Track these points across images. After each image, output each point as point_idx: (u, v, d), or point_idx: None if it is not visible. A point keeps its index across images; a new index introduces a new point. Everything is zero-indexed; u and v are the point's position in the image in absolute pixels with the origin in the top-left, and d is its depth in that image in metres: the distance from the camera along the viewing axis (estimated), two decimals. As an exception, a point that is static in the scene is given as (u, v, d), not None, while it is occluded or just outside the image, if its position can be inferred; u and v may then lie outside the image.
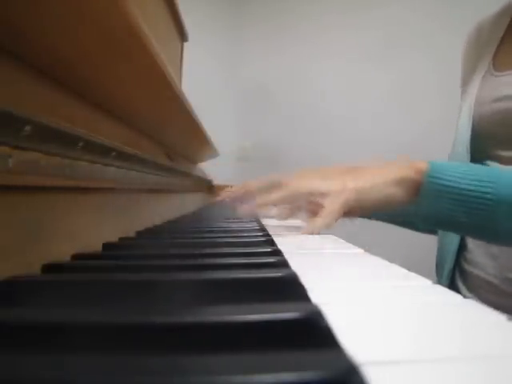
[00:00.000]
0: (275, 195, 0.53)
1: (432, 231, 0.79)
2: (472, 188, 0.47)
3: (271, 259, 0.31)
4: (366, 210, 0.53)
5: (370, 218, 0.74)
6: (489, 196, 0.46)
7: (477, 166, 0.50)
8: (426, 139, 2.03)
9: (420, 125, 2.10)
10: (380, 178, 0.51)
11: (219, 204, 0.60)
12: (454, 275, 0.73)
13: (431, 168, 0.49)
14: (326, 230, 0.51)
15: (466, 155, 0.69)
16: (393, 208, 0.52)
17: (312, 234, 0.51)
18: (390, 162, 0.54)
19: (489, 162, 0.68)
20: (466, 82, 0.77)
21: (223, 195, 0.67)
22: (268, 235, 0.46)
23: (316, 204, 0.54)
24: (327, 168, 0.58)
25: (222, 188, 1.52)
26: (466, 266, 0.70)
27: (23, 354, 0.14)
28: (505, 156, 0.65)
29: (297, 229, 0.58)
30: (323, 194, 0.51)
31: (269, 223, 0.64)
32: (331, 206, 0.50)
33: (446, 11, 2.10)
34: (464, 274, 0.71)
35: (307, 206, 0.59)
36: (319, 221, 0.51)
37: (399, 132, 2.11)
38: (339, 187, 0.51)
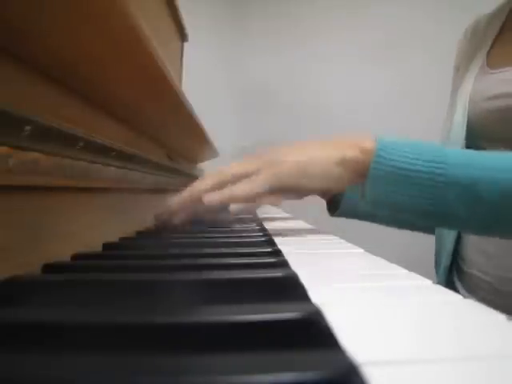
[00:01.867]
0: (203, 184, 0.49)
1: (429, 230, 0.78)
2: (423, 169, 0.43)
3: (271, 259, 0.31)
4: (301, 190, 0.48)
5: (336, 215, 0.69)
6: (441, 178, 0.43)
7: (427, 145, 0.46)
8: (426, 139, 2.03)
9: (419, 124, 2.10)
10: (322, 154, 0.46)
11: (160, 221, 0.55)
12: (452, 273, 0.73)
13: (379, 147, 0.45)
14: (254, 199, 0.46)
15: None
16: (334, 189, 0.49)
17: (227, 200, 0.46)
18: (337, 138, 0.49)
19: None
20: (459, 80, 0.77)
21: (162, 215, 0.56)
22: (268, 235, 0.46)
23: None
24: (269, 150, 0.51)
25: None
26: (463, 266, 0.70)
27: (23, 354, 0.14)
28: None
29: (297, 229, 0.58)
30: (256, 172, 0.47)
31: (269, 223, 0.64)
32: (256, 178, 0.46)
33: (446, 11, 2.10)
34: (461, 274, 0.71)
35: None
36: (235, 189, 0.46)
37: (399, 132, 2.11)
38: (273, 161, 0.46)
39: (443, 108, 0.89)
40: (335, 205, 0.68)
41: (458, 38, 0.84)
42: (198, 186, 0.50)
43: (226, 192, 0.47)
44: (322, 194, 0.65)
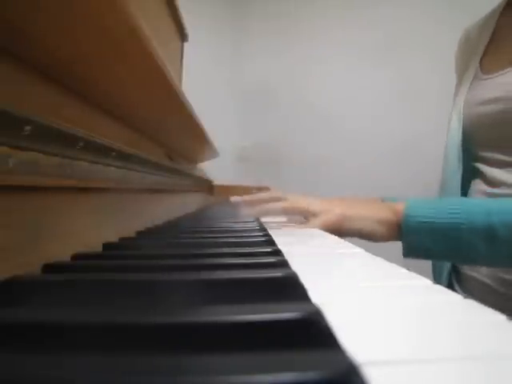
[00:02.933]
0: (277, 205, 0.61)
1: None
2: (446, 221, 0.52)
3: (271, 259, 0.31)
4: (346, 235, 0.58)
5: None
6: (462, 226, 0.51)
7: (448, 200, 0.57)
8: (426, 139, 2.03)
9: (420, 125, 2.10)
10: (365, 212, 0.57)
11: (230, 204, 0.69)
12: (451, 278, 0.73)
13: (407, 208, 0.55)
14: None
15: (458, 159, 0.70)
16: (373, 241, 0.58)
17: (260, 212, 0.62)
18: (375, 201, 0.63)
19: (478, 165, 0.69)
20: (457, 88, 0.78)
21: (234, 199, 0.70)
22: (268, 235, 0.46)
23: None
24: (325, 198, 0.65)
25: (222, 188, 1.52)
26: (463, 269, 0.70)
27: (23, 354, 0.14)
28: (493, 158, 0.66)
29: (298, 229, 0.58)
30: (313, 213, 0.58)
31: (269, 223, 0.64)
32: (314, 222, 0.57)
33: (446, 11, 2.10)
34: (461, 277, 0.71)
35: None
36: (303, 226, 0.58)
37: (399, 132, 2.11)
38: (327, 209, 0.58)
39: (443, 108, 0.89)
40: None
41: (458, 39, 0.84)
42: (270, 207, 0.63)
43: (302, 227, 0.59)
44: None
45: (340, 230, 0.56)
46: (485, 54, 0.72)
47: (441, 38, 2.09)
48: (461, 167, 0.71)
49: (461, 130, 0.70)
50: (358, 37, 2.25)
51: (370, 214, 0.57)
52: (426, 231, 0.53)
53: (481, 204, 0.54)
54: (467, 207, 0.53)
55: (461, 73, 0.77)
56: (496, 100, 0.63)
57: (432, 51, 2.12)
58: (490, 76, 0.68)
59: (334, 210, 0.57)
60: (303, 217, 0.62)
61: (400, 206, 0.56)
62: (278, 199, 0.64)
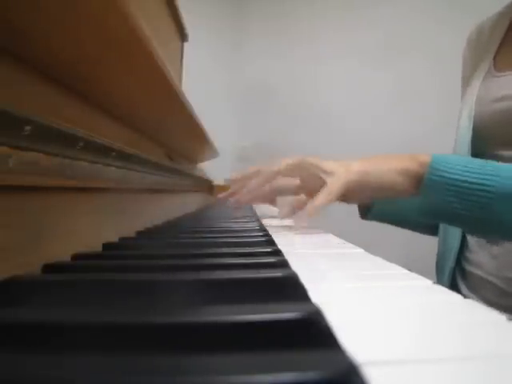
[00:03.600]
0: (283, 163, 0.55)
1: (431, 231, 0.79)
2: (474, 181, 0.47)
3: (271, 259, 0.31)
4: (367, 194, 0.54)
5: (367, 218, 0.73)
6: (491, 189, 0.46)
7: (478, 160, 0.50)
8: (426, 139, 2.03)
9: (420, 125, 2.10)
10: (384, 165, 0.52)
11: (220, 204, 0.63)
12: (455, 275, 0.73)
13: (434, 161, 0.49)
14: (324, 208, 0.52)
15: (467, 155, 0.69)
16: (393, 197, 0.53)
17: (311, 214, 0.51)
18: (396, 154, 0.55)
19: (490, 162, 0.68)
20: (466, 83, 0.77)
21: (223, 195, 0.66)
22: (268, 235, 0.46)
23: (305, 202, 0.56)
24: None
25: (222, 188, 1.52)
26: (467, 266, 0.70)
27: (23, 354, 0.14)
28: (506, 156, 0.65)
29: (297, 229, 0.58)
30: (327, 172, 0.52)
31: (269, 223, 0.64)
32: (332, 185, 0.51)
33: (446, 11, 2.10)
34: (464, 274, 0.71)
35: (296, 204, 0.62)
36: (319, 198, 0.51)
37: (399, 132, 2.11)
38: (344, 168, 0.52)
39: (443, 109, 0.89)
40: (367, 209, 0.72)
41: (458, 39, 0.84)
42: (276, 182, 0.56)
43: (311, 209, 0.52)
44: None
45: (361, 187, 0.52)
46: (498, 50, 0.72)
47: (441, 39, 2.09)
48: None
49: (471, 127, 0.69)
50: (358, 37, 2.25)
51: (391, 165, 0.52)
52: (450, 188, 0.48)
53: None
54: (502, 171, 0.47)
55: (471, 69, 0.76)
56: (510, 97, 0.63)
57: (432, 52, 2.12)
58: (504, 73, 0.67)
59: (352, 167, 0.52)
60: (312, 177, 0.54)
61: (425, 158, 0.51)
62: (269, 176, 0.57)
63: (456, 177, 0.48)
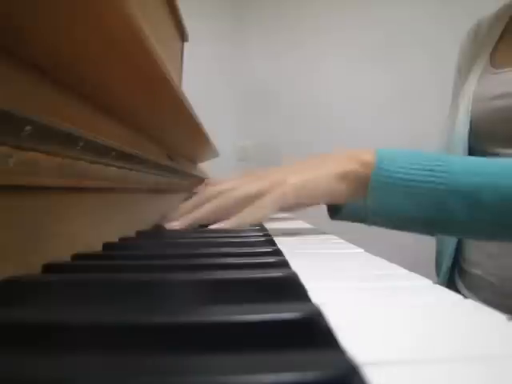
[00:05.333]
0: (205, 208, 0.50)
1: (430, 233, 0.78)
2: (423, 179, 0.44)
3: (271, 259, 0.31)
4: (306, 204, 0.50)
5: (336, 218, 0.70)
6: (442, 187, 0.43)
7: (427, 154, 0.46)
8: (426, 139, 2.03)
9: (420, 125, 2.10)
10: (322, 171, 0.47)
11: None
12: (453, 274, 0.73)
13: (379, 160, 0.45)
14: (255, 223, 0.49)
15: (464, 153, 0.69)
16: (335, 203, 0.51)
17: (236, 227, 0.48)
18: (337, 152, 0.50)
19: None
20: (461, 80, 0.77)
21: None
22: (268, 235, 0.46)
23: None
24: (271, 168, 0.53)
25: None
26: (465, 265, 0.70)
27: (23, 354, 0.14)
28: (503, 153, 0.65)
29: (297, 229, 0.58)
30: (259, 194, 0.48)
31: (269, 223, 0.64)
32: (263, 201, 0.47)
33: (446, 12, 2.10)
34: (463, 273, 0.71)
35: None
36: (246, 215, 0.48)
37: (399, 132, 2.11)
38: (276, 183, 0.48)
39: (443, 109, 0.89)
40: (336, 209, 0.68)
41: (458, 39, 0.84)
42: (203, 209, 0.50)
43: (235, 220, 0.49)
44: None
45: (298, 200, 0.47)
46: (496, 48, 0.72)
47: (441, 38, 2.09)
48: None
49: (468, 125, 0.69)
50: (359, 37, 2.25)
51: (329, 169, 0.47)
52: (399, 189, 0.44)
53: (465, 162, 0.45)
54: (450, 165, 0.44)
55: (467, 66, 0.76)
56: (508, 95, 0.63)
57: (432, 51, 2.12)
58: (501, 70, 0.67)
59: (288, 180, 0.47)
60: (243, 209, 0.49)
61: (368, 156, 0.46)
62: (204, 198, 0.51)
63: (403, 176, 0.44)
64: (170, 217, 0.54)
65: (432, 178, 0.43)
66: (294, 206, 0.49)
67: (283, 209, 0.49)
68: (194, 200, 0.53)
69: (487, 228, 0.45)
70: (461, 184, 0.43)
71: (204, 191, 0.53)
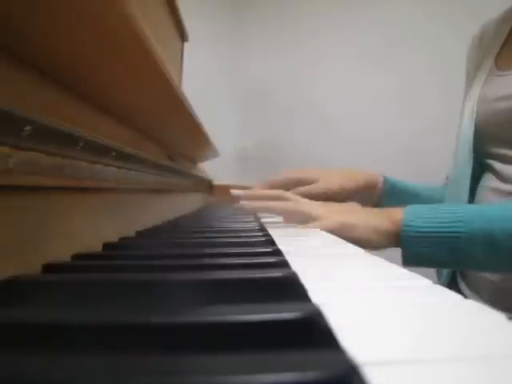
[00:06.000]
0: (278, 204, 0.62)
1: None
2: (446, 230, 0.52)
3: (271, 259, 0.31)
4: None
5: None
6: (461, 235, 0.51)
7: (448, 208, 0.56)
8: (426, 139, 2.03)
9: (420, 125, 2.10)
10: (364, 221, 0.56)
11: (231, 197, 0.68)
12: (455, 274, 0.73)
13: (405, 217, 0.55)
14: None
15: (469, 155, 0.69)
16: (368, 249, 0.58)
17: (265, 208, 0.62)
18: (373, 210, 0.62)
19: (491, 162, 0.68)
20: (468, 84, 0.77)
21: (235, 192, 0.69)
22: (268, 235, 0.46)
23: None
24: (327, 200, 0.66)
25: (222, 188, 1.52)
26: None
27: (23, 354, 0.14)
28: (507, 155, 0.65)
29: (297, 229, 0.58)
30: (313, 218, 0.57)
31: (269, 223, 0.64)
32: (314, 226, 0.56)
33: (446, 12, 2.10)
34: (465, 273, 0.71)
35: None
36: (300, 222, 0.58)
37: (399, 132, 2.11)
38: (327, 215, 0.57)
39: (443, 109, 0.89)
40: None
41: (458, 38, 0.84)
42: (275, 204, 0.62)
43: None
44: (363, 201, 0.77)
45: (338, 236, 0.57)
46: (501, 50, 0.72)
47: (441, 38, 2.09)
48: (471, 163, 0.70)
49: (473, 127, 0.69)
50: (359, 37, 2.25)
51: (369, 223, 0.57)
52: (426, 241, 0.53)
53: (482, 211, 0.54)
54: (467, 215, 0.53)
55: (474, 68, 0.76)
56: None
57: (432, 51, 2.12)
58: (506, 73, 0.67)
59: (334, 218, 0.57)
60: (301, 220, 0.62)
61: (398, 215, 0.56)
62: (278, 198, 0.64)
63: (428, 230, 0.53)
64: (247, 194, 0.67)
65: (452, 229, 0.52)
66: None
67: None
68: (262, 192, 0.67)
69: (506, 265, 0.53)
70: (478, 231, 0.51)
71: (286, 193, 0.66)
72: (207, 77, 2.07)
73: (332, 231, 0.55)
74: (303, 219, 0.59)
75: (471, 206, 0.65)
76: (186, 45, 1.20)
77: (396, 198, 0.77)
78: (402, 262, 0.56)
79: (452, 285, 0.72)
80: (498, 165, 0.67)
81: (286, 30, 2.34)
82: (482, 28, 0.80)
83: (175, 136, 0.80)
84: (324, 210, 0.59)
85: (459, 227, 0.52)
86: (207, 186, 1.44)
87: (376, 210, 0.61)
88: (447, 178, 0.83)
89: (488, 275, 0.65)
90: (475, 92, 0.70)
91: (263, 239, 0.43)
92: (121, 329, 0.16)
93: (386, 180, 0.78)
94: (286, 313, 0.16)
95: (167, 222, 0.69)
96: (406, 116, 2.16)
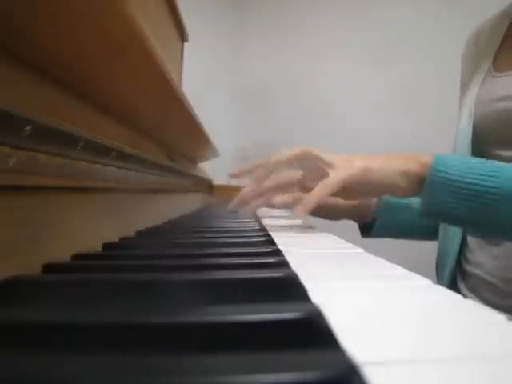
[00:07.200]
0: (285, 153, 0.54)
1: (430, 238, 0.79)
2: (476, 182, 0.46)
3: (271, 259, 0.31)
4: (366, 191, 0.53)
5: (368, 236, 0.76)
6: (493, 190, 0.46)
7: (481, 160, 0.50)
8: (426, 139, 2.03)
9: (420, 125, 2.10)
10: (387, 164, 0.51)
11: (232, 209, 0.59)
12: (455, 275, 0.73)
13: (435, 162, 0.49)
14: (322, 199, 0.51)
15: (467, 155, 0.69)
16: (392, 195, 0.53)
17: (308, 204, 0.50)
18: (398, 153, 0.55)
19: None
20: (465, 85, 0.77)
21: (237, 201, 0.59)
22: (268, 235, 0.46)
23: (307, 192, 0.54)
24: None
25: (222, 188, 1.52)
26: (467, 266, 0.70)
27: (23, 354, 0.14)
28: (505, 156, 0.65)
29: (297, 229, 0.58)
30: (330, 165, 0.51)
31: (269, 223, 0.64)
32: (333, 177, 0.50)
33: (447, 12, 2.10)
34: (465, 274, 0.71)
35: (297, 193, 0.60)
36: (317, 190, 0.50)
37: (399, 132, 2.11)
38: (346, 162, 0.51)
39: (443, 109, 0.89)
40: (367, 227, 0.75)
41: (459, 39, 0.84)
42: (269, 183, 0.55)
43: (303, 200, 0.51)
44: (358, 218, 0.75)
45: (361, 184, 0.51)
46: (498, 51, 0.72)
47: (441, 38, 2.09)
48: None
49: (471, 128, 0.69)
50: (359, 37, 2.25)
51: (393, 165, 0.51)
52: (452, 189, 0.47)
53: None
54: (504, 171, 0.46)
55: (470, 71, 0.76)
56: (510, 97, 0.63)
57: (433, 51, 2.12)
58: (503, 73, 0.67)
59: (354, 163, 0.51)
60: (316, 171, 0.53)
61: (428, 158, 0.51)
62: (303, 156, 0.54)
63: (458, 178, 0.47)
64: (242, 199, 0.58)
65: (485, 182, 0.46)
66: (357, 189, 0.52)
67: (345, 190, 0.50)
68: (259, 171, 0.57)
69: None
70: (510, 190, 0.45)
71: (269, 160, 0.56)
72: (207, 77, 2.07)
73: (356, 177, 0.50)
74: (316, 167, 0.52)
75: (508, 164, 0.57)
76: (186, 45, 1.20)
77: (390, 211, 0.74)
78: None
79: (452, 286, 0.72)
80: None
81: (286, 29, 2.34)
82: (476, 30, 0.80)
83: (175, 136, 0.80)
84: (341, 157, 0.53)
85: (495, 182, 0.46)
86: (207, 186, 1.44)
87: (402, 153, 0.55)
88: None
89: (488, 276, 0.65)
90: (473, 93, 0.71)
91: (263, 239, 0.43)
92: (121, 329, 0.16)
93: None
94: (286, 313, 0.16)
95: (167, 221, 0.69)
96: (407, 116, 2.16)
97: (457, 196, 0.47)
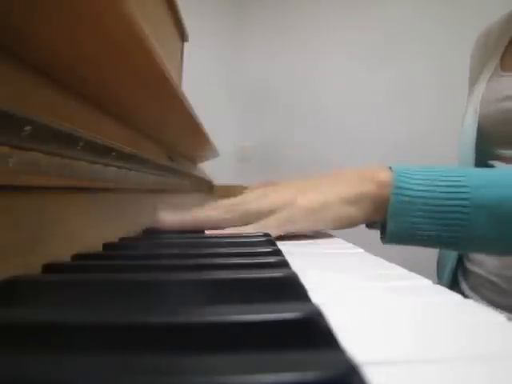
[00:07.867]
0: (212, 215, 0.48)
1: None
2: (445, 196, 0.42)
3: (271, 259, 0.31)
4: (317, 228, 0.47)
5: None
6: (466, 202, 0.41)
7: (443, 169, 0.44)
8: (426, 139, 2.03)
9: (420, 125, 2.10)
10: (332, 194, 0.44)
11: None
12: (457, 274, 0.73)
13: (397, 178, 0.43)
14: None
15: (472, 155, 0.70)
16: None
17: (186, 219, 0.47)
18: (350, 170, 0.47)
19: (493, 162, 0.68)
20: (472, 83, 0.77)
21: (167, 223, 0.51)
22: (268, 235, 0.46)
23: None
24: (284, 183, 0.51)
25: (222, 188, 1.52)
26: (469, 265, 0.70)
27: (23, 354, 0.14)
28: (508, 155, 0.65)
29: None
30: (271, 211, 0.45)
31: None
32: (269, 221, 0.45)
33: (447, 11, 2.10)
34: (466, 273, 0.71)
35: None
36: (249, 228, 0.46)
37: (399, 132, 2.11)
38: (286, 202, 0.45)
39: (443, 108, 0.89)
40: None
41: (459, 39, 0.85)
42: (209, 216, 0.49)
43: (239, 229, 0.46)
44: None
45: (307, 225, 0.45)
46: (505, 51, 0.72)
47: (442, 38, 2.09)
48: (474, 163, 0.70)
49: (476, 127, 0.69)
50: (359, 37, 2.25)
51: (341, 192, 0.44)
52: (420, 207, 0.42)
53: (483, 175, 0.43)
54: (469, 179, 0.42)
55: (478, 71, 0.77)
56: None
57: (432, 51, 2.12)
58: (510, 73, 0.67)
59: (295, 202, 0.44)
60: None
61: (385, 174, 0.44)
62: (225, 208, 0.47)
63: (426, 194, 0.42)
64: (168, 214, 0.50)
65: (455, 195, 0.41)
66: (299, 231, 0.46)
67: (289, 232, 0.45)
68: (205, 208, 0.50)
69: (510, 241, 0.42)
70: (485, 198, 0.41)
71: (216, 203, 0.50)
72: (207, 76, 2.07)
73: (294, 225, 0.44)
74: (250, 222, 0.46)
75: (474, 168, 0.52)
76: (186, 45, 1.20)
77: None
78: (387, 237, 0.44)
79: (454, 286, 0.72)
80: (500, 165, 0.67)
81: (286, 29, 2.34)
82: (485, 30, 0.80)
83: (175, 136, 0.80)
84: (280, 198, 0.46)
85: (464, 192, 0.41)
86: (207, 186, 1.44)
87: (349, 174, 0.46)
88: None
89: (490, 275, 0.65)
90: (479, 91, 0.71)
91: (263, 239, 0.43)
92: (121, 329, 0.16)
93: None
94: (286, 313, 0.16)
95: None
96: (407, 116, 2.16)
97: (427, 215, 0.42)
